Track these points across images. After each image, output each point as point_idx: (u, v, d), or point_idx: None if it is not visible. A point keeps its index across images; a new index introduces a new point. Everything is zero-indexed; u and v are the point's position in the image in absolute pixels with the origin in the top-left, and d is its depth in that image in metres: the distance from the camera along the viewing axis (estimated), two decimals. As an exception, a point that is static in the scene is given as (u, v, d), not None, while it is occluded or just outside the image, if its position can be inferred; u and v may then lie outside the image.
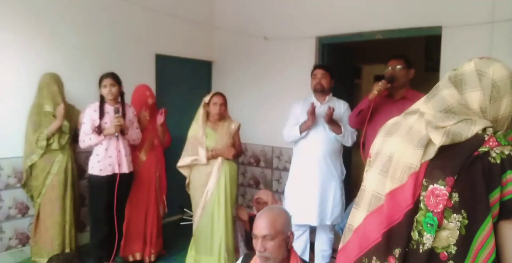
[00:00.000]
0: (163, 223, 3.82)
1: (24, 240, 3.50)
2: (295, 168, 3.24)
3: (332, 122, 3.04)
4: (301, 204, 3.10)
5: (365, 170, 1.32)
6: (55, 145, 3.29)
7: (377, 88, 2.67)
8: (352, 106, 3.24)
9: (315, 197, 3.06)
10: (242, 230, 3.64)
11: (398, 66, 2.76)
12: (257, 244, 1.74)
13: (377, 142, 1.29)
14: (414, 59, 3.08)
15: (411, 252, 1.11)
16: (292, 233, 1.80)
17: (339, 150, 3.22)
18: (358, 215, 1.26)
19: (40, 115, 3.30)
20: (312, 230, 3.32)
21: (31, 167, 3.30)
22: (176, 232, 4.18)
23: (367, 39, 3.83)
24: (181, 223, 4.51)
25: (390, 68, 2.79)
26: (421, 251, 1.09)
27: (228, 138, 3.25)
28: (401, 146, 1.18)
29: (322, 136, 3.10)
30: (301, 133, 3.11)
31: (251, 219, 3.70)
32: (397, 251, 1.12)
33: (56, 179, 3.29)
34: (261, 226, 1.74)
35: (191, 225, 3.33)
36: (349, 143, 3.16)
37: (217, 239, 3.14)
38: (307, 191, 3.08)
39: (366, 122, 2.72)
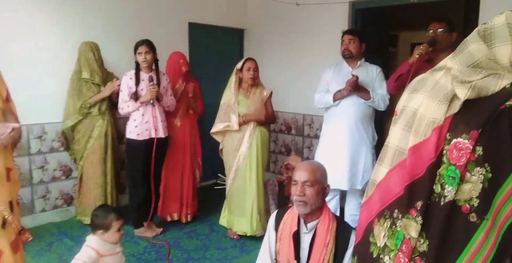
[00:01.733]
0: (198, 187, 3.98)
1: (68, 200, 3.75)
2: (326, 133, 3.26)
3: (358, 89, 3.03)
4: (332, 168, 3.12)
5: (390, 128, 1.34)
6: (95, 111, 3.46)
7: (418, 51, 2.61)
8: (386, 75, 3.20)
9: (346, 161, 3.09)
10: (273, 194, 3.74)
11: (440, 29, 2.68)
12: (297, 189, 1.83)
13: (402, 99, 1.31)
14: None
15: (432, 205, 1.14)
16: (328, 186, 1.89)
17: (370, 115, 3.21)
18: (381, 170, 1.29)
19: (80, 81, 3.46)
20: (342, 195, 3.37)
21: (73, 131, 3.49)
22: (211, 196, 4.34)
23: (403, 3, 3.71)
24: (215, 187, 4.67)
25: (431, 31, 2.70)
26: (442, 203, 1.12)
27: (260, 105, 3.29)
28: (426, 101, 1.19)
29: (353, 101, 3.09)
30: (334, 101, 3.11)
31: (281, 184, 3.80)
32: (419, 204, 1.15)
33: (97, 143, 3.47)
34: (302, 173, 1.85)
35: (224, 189, 3.46)
36: (381, 107, 3.14)
37: (249, 201, 3.25)
38: (338, 156, 3.11)
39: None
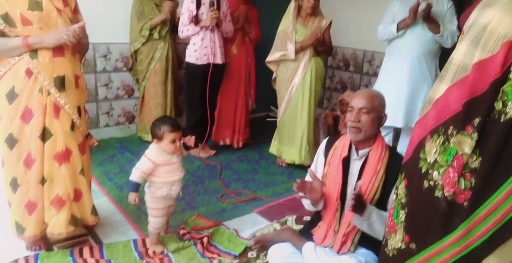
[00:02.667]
0: (251, 118, 4.08)
1: (130, 118, 4.00)
2: (386, 68, 3.16)
3: (430, 20, 2.84)
4: (388, 104, 3.06)
5: (456, 45, 1.27)
6: (156, 35, 3.56)
7: None
8: (458, 11, 2.96)
9: (404, 98, 3.01)
10: (325, 128, 3.77)
11: None
12: (352, 115, 1.83)
13: (472, 16, 1.22)
14: None
15: (491, 122, 1.11)
16: (385, 116, 1.87)
17: (436, 51, 3.04)
18: (440, 87, 1.25)
19: (142, 4, 3.52)
20: (397, 135, 3.33)
21: (136, 53, 3.63)
22: (262, 127, 4.45)
23: None
24: (267, 119, 4.77)
25: None
26: (502, 120, 1.08)
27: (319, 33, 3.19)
28: (499, 15, 1.10)
29: (419, 35, 2.93)
30: (398, 31, 2.96)
31: (335, 119, 3.79)
32: (476, 120, 1.12)
33: (159, 65, 3.60)
34: (359, 99, 1.84)
35: (276, 121, 3.52)
36: (448, 44, 2.95)
37: (299, 131, 3.30)
38: (396, 91, 3.02)
39: None
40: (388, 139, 3.26)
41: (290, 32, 3.19)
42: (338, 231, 1.94)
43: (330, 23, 3.25)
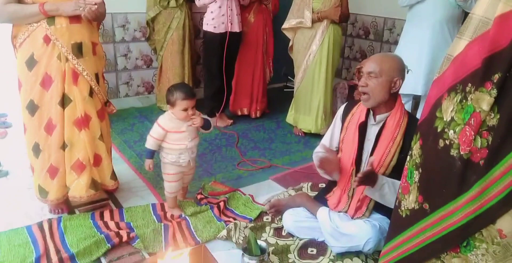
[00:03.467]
0: (269, 88, 4.05)
1: (149, 88, 4.03)
2: (407, 34, 3.06)
3: None
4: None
5: None
6: (172, 3, 3.52)
7: None
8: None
9: (424, 65, 2.93)
10: (342, 98, 3.72)
11: None
12: (360, 80, 1.81)
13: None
14: None
15: (511, 78, 1.07)
16: (399, 79, 1.79)
17: (459, 17, 2.92)
18: (460, 44, 1.21)
19: (159, -29, 3.47)
20: (416, 104, 3.26)
21: (153, 22, 3.61)
22: (280, 97, 4.43)
23: None
24: (285, 90, 4.73)
25: None
26: (523, 75, 1.05)
27: (335, 0, 3.11)
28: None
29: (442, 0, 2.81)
30: None
31: (351, 88, 3.73)
32: (496, 76, 1.08)
33: (176, 34, 3.59)
34: (368, 63, 1.80)
35: (293, 92, 3.48)
36: (471, 9, 2.82)
37: (315, 100, 3.27)
38: (416, 58, 2.92)
39: None
40: (407, 107, 3.19)
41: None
42: (352, 196, 1.94)
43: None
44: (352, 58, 4.70)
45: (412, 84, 2.95)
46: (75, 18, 1.96)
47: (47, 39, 1.94)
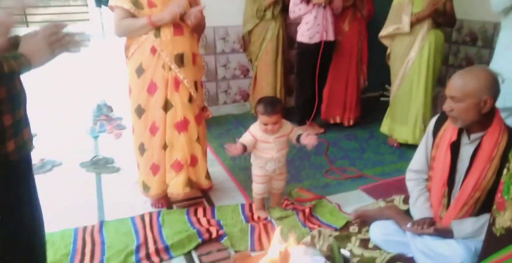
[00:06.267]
0: (364, 97, 3.98)
1: (245, 96, 4.22)
2: (504, 40, 2.68)
3: None
4: (508, 84, 2.68)
5: None
6: (268, 14, 3.66)
7: None
8: None
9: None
10: (442, 107, 3.50)
11: None
12: (445, 103, 1.69)
13: None
14: None
15: None
16: (489, 98, 1.61)
17: None
18: None
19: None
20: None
21: (250, 34, 3.79)
22: (375, 106, 4.30)
23: None
24: (381, 99, 4.58)
25: None
26: None
27: (436, 3, 2.95)
28: None
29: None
30: None
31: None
32: None
33: (270, 45, 3.72)
34: (450, 86, 1.66)
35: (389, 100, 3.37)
36: None
37: (414, 109, 3.13)
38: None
39: None
40: (509, 121, 2.86)
41: (406, 3, 3.00)
42: (443, 217, 1.83)
43: (452, -8, 2.98)
44: (457, 66, 4.38)
45: (510, 96, 2.65)
46: (178, 31, 2.18)
47: (153, 50, 2.16)
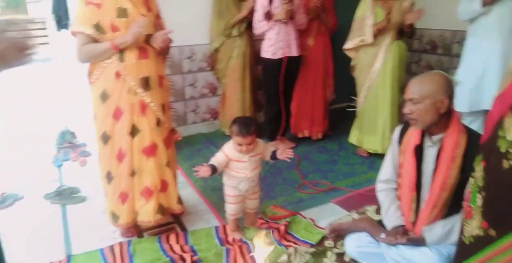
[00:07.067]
0: (332, 109, 4.02)
1: (214, 115, 4.19)
2: (471, 47, 2.83)
3: None
4: (475, 87, 2.79)
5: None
6: (235, 32, 3.67)
7: None
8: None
9: (495, 79, 2.71)
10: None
11: None
12: (404, 107, 1.76)
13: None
14: None
15: None
16: (445, 99, 1.69)
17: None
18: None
19: (221, 3, 3.65)
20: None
21: (217, 52, 3.79)
22: (342, 117, 4.34)
23: None
24: (348, 109, 4.62)
25: None
26: None
27: (399, 17, 3.04)
28: None
29: (510, 7, 2.62)
30: (484, 5, 2.65)
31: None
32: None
33: (236, 62, 3.73)
34: (409, 90, 1.74)
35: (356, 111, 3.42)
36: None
37: (381, 119, 3.19)
38: (484, 72, 2.74)
39: None
40: (478, 124, 2.96)
41: (368, 16, 3.07)
42: (415, 222, 1.84)
43: (413, 3, 3.07)
44: (419, 74, 4.52)
45: (479, 100, 2.76)
46: (143, 54, 2.13)
47: (118, 75, 2.10)
